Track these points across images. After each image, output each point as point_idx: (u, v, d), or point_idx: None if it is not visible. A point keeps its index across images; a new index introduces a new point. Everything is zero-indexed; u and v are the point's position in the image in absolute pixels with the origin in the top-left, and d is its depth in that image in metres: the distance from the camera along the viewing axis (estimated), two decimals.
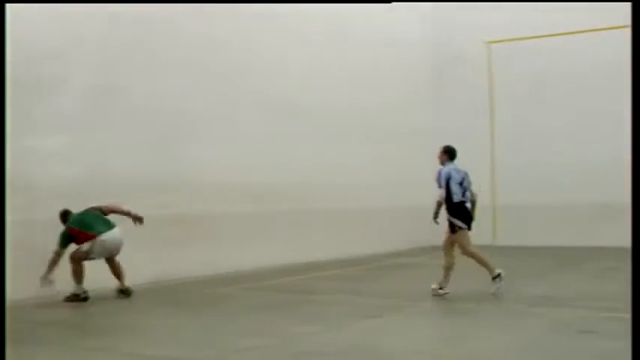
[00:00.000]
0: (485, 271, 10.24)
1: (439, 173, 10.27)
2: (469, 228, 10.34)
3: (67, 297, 10.00)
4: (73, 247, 10.19)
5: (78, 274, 10.10)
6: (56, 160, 10.44)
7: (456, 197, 10.13)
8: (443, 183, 10.14)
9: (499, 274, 10.14)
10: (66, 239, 10.15)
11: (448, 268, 10.21)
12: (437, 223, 10.38)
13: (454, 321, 8.54)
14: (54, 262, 9.99)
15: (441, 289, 10.10)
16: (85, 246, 10.12)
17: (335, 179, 16.25)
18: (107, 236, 10.26)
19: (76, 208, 10.32)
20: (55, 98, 10.61)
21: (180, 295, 10.84)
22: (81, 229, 10.17)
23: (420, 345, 7.18)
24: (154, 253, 11.74)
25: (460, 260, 10.37)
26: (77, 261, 10.14)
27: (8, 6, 9.68)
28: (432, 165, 20.06)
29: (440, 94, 21.17)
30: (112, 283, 10.49)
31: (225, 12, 13.50)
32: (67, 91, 10.74)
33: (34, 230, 10.19)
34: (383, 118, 18.12)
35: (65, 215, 10.35)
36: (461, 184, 10.23)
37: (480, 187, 19.75)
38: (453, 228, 10.18)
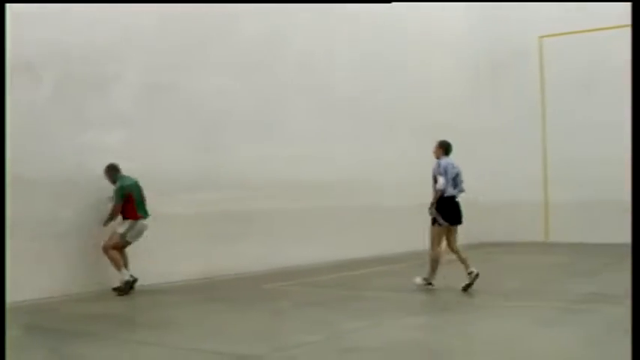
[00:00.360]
0: (533, 270, 10.14)
1: (438, 165, 10.37)
2: (460, 222, 10.50)
3: (120, 289, 10.09)
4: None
5: (118, 261, 10.14)
6: (111, 157, 10.57)
7: (447, 192, 10.28)
8: (442, 172, 10.27)
9: (430, 283, 10.38)
10: (124, 197, 10.24)
11: (460, 259, 10.33)
12: (431, 214, 10.38)
13: (503, 318, 8.42)
14: (113, 216, 10.24)
15: (470, 273, 10.13)
16: (121, 228, 10.22)
17: (385, 176, 16.22)
18: (147, 222, 10.44)
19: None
20: (110, 96, 10.76)
21: (231, 291, 10.91)
22: (132, 197, 10.29)
23: (470, 343, 7.07)
24: (205, 248, 11.84)
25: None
26: (114, 248, 10.20)
27: (68, 7, 9.92)
28: (483, 160, 20.18)
29: (492, 89, 21.00)
30: (163, 277, 10.64)
31: (276, 10, 13.52)
32: (122, 89, 10.88)
33: (88, 224, 10.33)
34: (433, 114, 18.02)
35: (115, 170, 10.36)
36: (454, 179, 10.39)
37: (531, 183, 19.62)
38: (433, 221, 10.30)
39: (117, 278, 10.14)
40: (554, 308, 8.97)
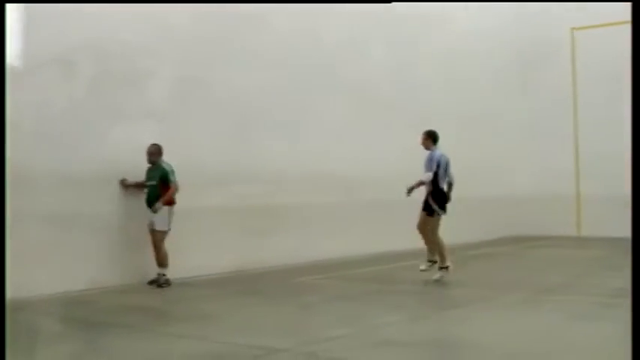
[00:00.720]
0: (566, 264, 10.11)
1: (431, 157, 10.66)
2: (445, 213, 10.82)
3: (162, 282, 10.24)
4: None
5: (166, 256, 10.32)
6: (145, 152, 10.65)
7: (442, 183, 10.67)
8: (434, 167, 10.57)
9: (447, 267, 10.62)
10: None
11: (441, 247, 10.72)
12: (409, 195, 10.76)
13: (539, 312, 8.38)
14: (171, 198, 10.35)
15: (430, 261, 10.74)
16: (165, 224, 10.28)
17: (418, 168, 16.17)
18: None
19: None
20: (145, 91, 10.84)
21: (263, 284, 10.95)
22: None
23: (504, 337, 7.03)
24: (238, 242, 11.89)
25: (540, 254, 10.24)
26: (163, 239, 10.33)
27: (104, 6, 10.03)
28: (514, 154, 20.04)
29: (524, 82, 20.86)
30: (196, 270, 10.72)
31: (307, 6, 13.47)
32: (156, 85, 10.95)
33: (125, 218, 10.45)
34: (466, 107, 17.96)
35: (161, 153, 10.46)
36: (445, 169, 10.73)
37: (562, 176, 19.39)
38: (432, 212, 10.64)
39: (152, 271, 10.29)
40: (591, 303, 8.92)
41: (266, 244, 12.39)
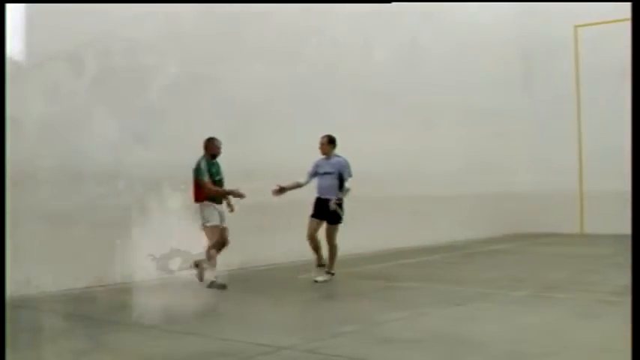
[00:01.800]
0: (570, 261, 10.11)
1: (345, 163, 10.67)
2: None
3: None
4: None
5: None
6: (150, 147, 10.66)
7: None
8: (351, 171, 10.57)
9: (333, 274, 10.60)
10: None
11: (331, 253, 10.75)
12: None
13: (542, 310, 8.37)
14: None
15: (327, 270, 10.66)
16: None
17: (424, 165, 16.20)
18: None
19: (172, 197, 10.50)
20: (149, 87, 10.84)
21: (267, 281, 10.98)
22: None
23: (508, 334, 7.03)
24: (243, 239, 11.88)
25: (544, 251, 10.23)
26: None
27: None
28: (518, 151, 20.04)
29: (528, 79, 20.89)
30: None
31: (312, 2, 13.51)
32: (160, 81, 10.95)
33: (130, 215, 10.43)
34: (471, 104, 17.98)
35: None
36: None
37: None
38: (339, 220, 10.54)
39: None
40: (594, 300, 8.92)
41: (270, 241, 12.41)
